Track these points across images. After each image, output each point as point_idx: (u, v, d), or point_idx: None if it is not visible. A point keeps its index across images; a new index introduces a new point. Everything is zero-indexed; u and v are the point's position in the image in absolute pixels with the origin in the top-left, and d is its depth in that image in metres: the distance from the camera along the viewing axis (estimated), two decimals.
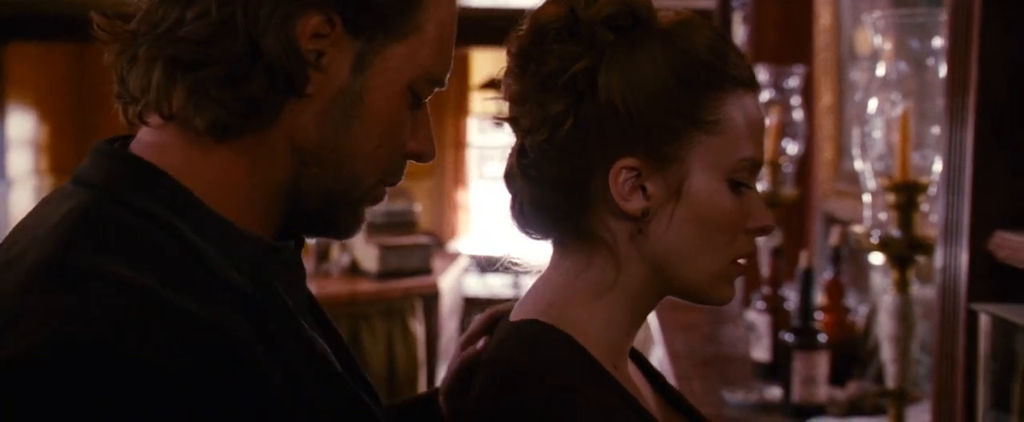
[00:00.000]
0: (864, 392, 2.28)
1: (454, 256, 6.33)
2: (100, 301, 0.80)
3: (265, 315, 0.89)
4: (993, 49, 1.45)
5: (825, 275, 2.58)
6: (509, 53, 1.04)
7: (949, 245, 1.53)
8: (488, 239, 7.84)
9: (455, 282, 5.77)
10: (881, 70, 1.86)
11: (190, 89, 0.89)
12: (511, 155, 1.06)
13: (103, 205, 0.88)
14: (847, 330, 2.52)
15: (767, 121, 2.57)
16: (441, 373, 5.20)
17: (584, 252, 1.04)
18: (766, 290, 2.66)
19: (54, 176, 7.41)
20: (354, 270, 5.12)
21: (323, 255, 5.25)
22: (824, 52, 3.29)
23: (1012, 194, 1.46)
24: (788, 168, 3.03)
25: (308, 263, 3.08)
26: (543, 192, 1.03)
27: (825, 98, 3.27)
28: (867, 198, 1.91)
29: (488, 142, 8.22)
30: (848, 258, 2.69)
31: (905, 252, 1.81)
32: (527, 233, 1.07)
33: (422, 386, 4.90)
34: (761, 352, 2.58)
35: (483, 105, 7.86)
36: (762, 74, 2.96)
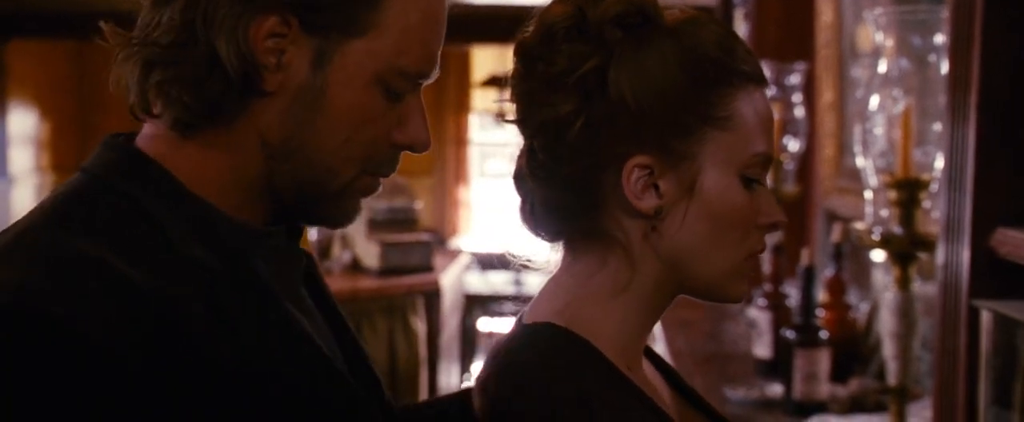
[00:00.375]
0: (865, 389, 2.28)
1: (456, 253, 6.32)
2: (48, 272, 0.87)
3: (227, 292, 0.94)
4: (995, 46, 1.45)
5: (826, 272, 2.57)
6: (516, 54, 1.04)
7: (951, 242, 1.53)
8: (490, 236, 7.84)
9: (457, 279, 5.77)
10: (883, 67, 1.86)
11: (156, 89, 0.96)
12: (520, 156, 1.05)
13: (87, 188, 0.96)
14: (848, 327, 2.51)
15: None
16: (443, 370, 5.20)
17: (597, 252, 1.03)
18: (767, 287, 2.66)
19: (55, 173, 7.41)
20: (355, 267, 5.11)
21: (325, 252, 5.25)
22: (825, 49, 3.29)
23: (1014, 191, 1.46)
24: (789, 165, 3.03)
25: None
26: (554, 193, 1.02)
27: (826, 95, 3.27)
28: (869, 195, 1.91)
29: (489, 139, 8.22)
30: (850, 255, 2.69)
31: (907, 249, 1.81)
32: (539, 235, 1.06)
33: (424, 383, 4.90)
34: (763, 349, 2.58)
35: (484, 102, 7.87)
36: (765, 72, 2.95)
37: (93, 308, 0.85)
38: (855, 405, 2.23)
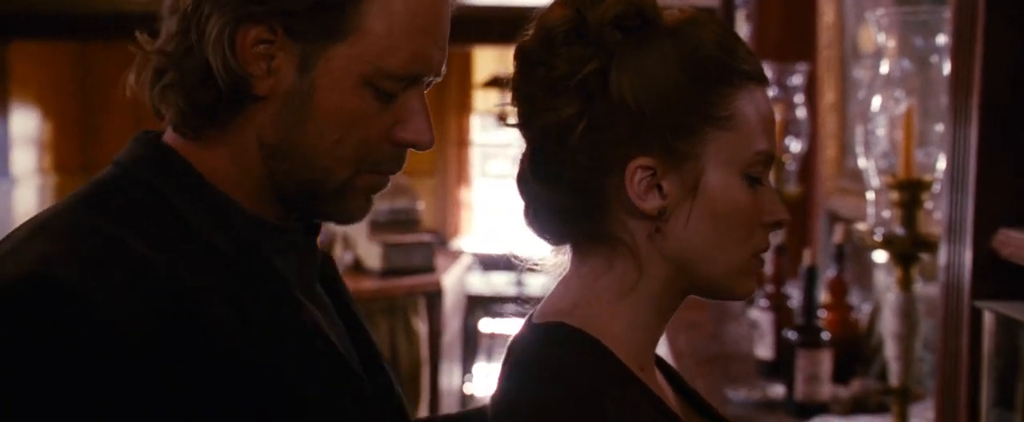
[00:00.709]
0: (868, 390, 2.28)
1: (457, 254, 6.32)
2: (71, 247, 0.93)
3: (243, 282, 0.98)
4: (997, 46, 1.45)
5: (829, 273, 2.57)
6: (516, 58, 1.04)
7: (953, 243, 1.53)
8: (492, 237, 7.84)
9: (458, 280, 5.76)
10: (885, 67, 1.86)
11: (161, 94, 1.02)
12: (522, 160, 1.05)
13: (117, 179, 1.02)
14: (851, 328, 2.51)
15: None
16: (444, 371, 5.20)
17: (604, 254, 1.04)
18: (770, 288, 2.66)
19: (57, 174, 7.41)
20: (357, 268, 5.12)
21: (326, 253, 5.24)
22: (827, 49, 3.29)
23: (1016, 191, 1.46)
24: (792, 166, 3.03)
25: None
26: (558, 196, 1.02)
27: (828, 96, 3.27)
28: (871, 196, 1.91)
29: (491, 140, 8.22)
30: (852, 256, 2.69)
31: (909, 250, 1.81)
32: (544, 238, 1.07)
33: (425, 384, 4.90)
34: (764, 350, 2.58)
35: (486, 102, 7.87)
36: (766, 72, 2.95)
37: (108, 282, 0.90)
38: (857, 406, 2.23)
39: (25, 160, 7.09)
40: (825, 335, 2.25)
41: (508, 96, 1.05)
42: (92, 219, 0.96)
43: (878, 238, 1.83)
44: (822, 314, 2.41)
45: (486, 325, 6.83)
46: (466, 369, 6.11)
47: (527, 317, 1.08)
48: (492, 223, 8.10)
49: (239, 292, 0.97)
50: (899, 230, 1.80)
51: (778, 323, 2.53)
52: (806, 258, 2.31)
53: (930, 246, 1.77)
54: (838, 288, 2.52)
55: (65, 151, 7.51)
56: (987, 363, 1.45)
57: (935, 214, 1.78)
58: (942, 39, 1.77)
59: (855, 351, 2.49)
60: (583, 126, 0.99)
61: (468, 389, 6.05)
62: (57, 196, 7.35)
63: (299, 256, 1.07)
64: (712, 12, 1.07)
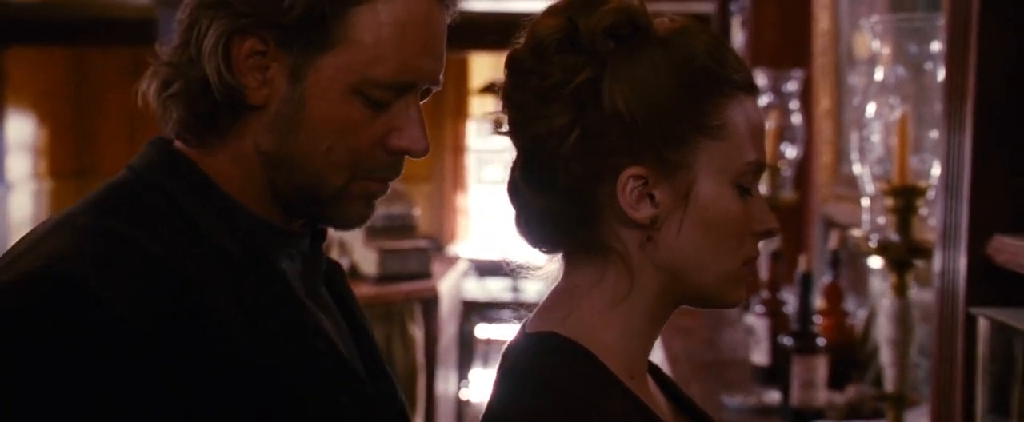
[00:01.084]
0: (863, 396, 2.28)
1: (453, 260, 6.32)
2: (85, 245, 0.96)
3: (249, 284, 1.01)
4: (991, 53, 1.46)
5: (824, 279, 2.57)
6: (507, 66, 1.04)
7: (948, 249, 1.53)
8: (487, 243, 7.84)
9: (454, 286, 5.76)
10: (879, 74, 1.86)
11: (163, 104, 1.06)
12: (512, 168, 1.05)
13: (130, 182, 1.05)
14: (846, 334, 2.51)
15: (766, 125, 2.58)
16: (440, 377, 5.20)
17: (596, 264, 1.03)
18: (765, 294, 2.66)
19: (53, 179, 7.40)
20: (353, 274, 5.10)
21: None
22: (822, 56, 3.29)
23: (1010, 198, 1.46)
24: (787, 172, 3.03)
25: None
26: (550, 204, 1.02)
27: (823, 102, 3.27)
28: (866, 202, 1.91)
29: (487, 146, 8.22)
30: (847, 262, 2.69)
31: (904, 256, 1.81)
32: (535, 247, 1.07)
33: (421, 389, 4.89)
34: (760, 356, 2.58)
35: (482, 109, 7.87)
36: (761, 78, 2.96)
37: (118, 278, 0.94)
38: (852, 412, 2.23)
39: (21, 165, 7.08)
40: (821, 341, 2.25)
41: (500, 104, 1.05)
42: (105, 220, 1.00)
43: (873, 244, 1.83)
44: (818, 320, 2.41)
45: (482, 331, 6.82)
46: (462, 375, 6.10)
47: (521, 325, 1.08)
48: (488, 229, 8.10)
49: (244, 293, 1.00)
50: (894, 236, 1.80)
51: (774, 329, 2.53)
52: (801, 264, 2.31)
53: (925, 252, 1.77)
54: (833, 294, 2.52)
55: (60, 156, 7.50)
56: (982, 369, 1.45)
57: (930, 220, 1.78)
58: (936, 46, 1.77)
59: (851, 357, 2.49)
60: (575, 135, 0.99)
61: (464, 395, 6.05)
62: (53, 201, 7.35)
63: (305, 260, 1.10)
64: (704, 21, 1.07)
